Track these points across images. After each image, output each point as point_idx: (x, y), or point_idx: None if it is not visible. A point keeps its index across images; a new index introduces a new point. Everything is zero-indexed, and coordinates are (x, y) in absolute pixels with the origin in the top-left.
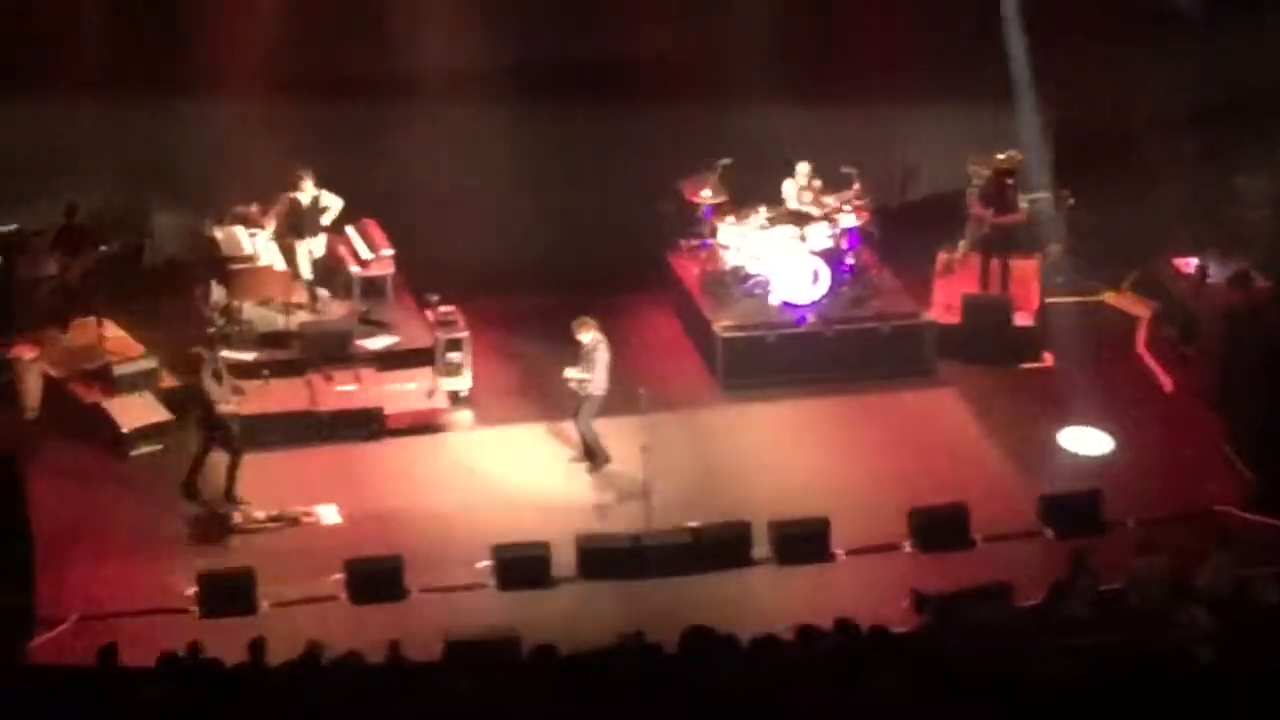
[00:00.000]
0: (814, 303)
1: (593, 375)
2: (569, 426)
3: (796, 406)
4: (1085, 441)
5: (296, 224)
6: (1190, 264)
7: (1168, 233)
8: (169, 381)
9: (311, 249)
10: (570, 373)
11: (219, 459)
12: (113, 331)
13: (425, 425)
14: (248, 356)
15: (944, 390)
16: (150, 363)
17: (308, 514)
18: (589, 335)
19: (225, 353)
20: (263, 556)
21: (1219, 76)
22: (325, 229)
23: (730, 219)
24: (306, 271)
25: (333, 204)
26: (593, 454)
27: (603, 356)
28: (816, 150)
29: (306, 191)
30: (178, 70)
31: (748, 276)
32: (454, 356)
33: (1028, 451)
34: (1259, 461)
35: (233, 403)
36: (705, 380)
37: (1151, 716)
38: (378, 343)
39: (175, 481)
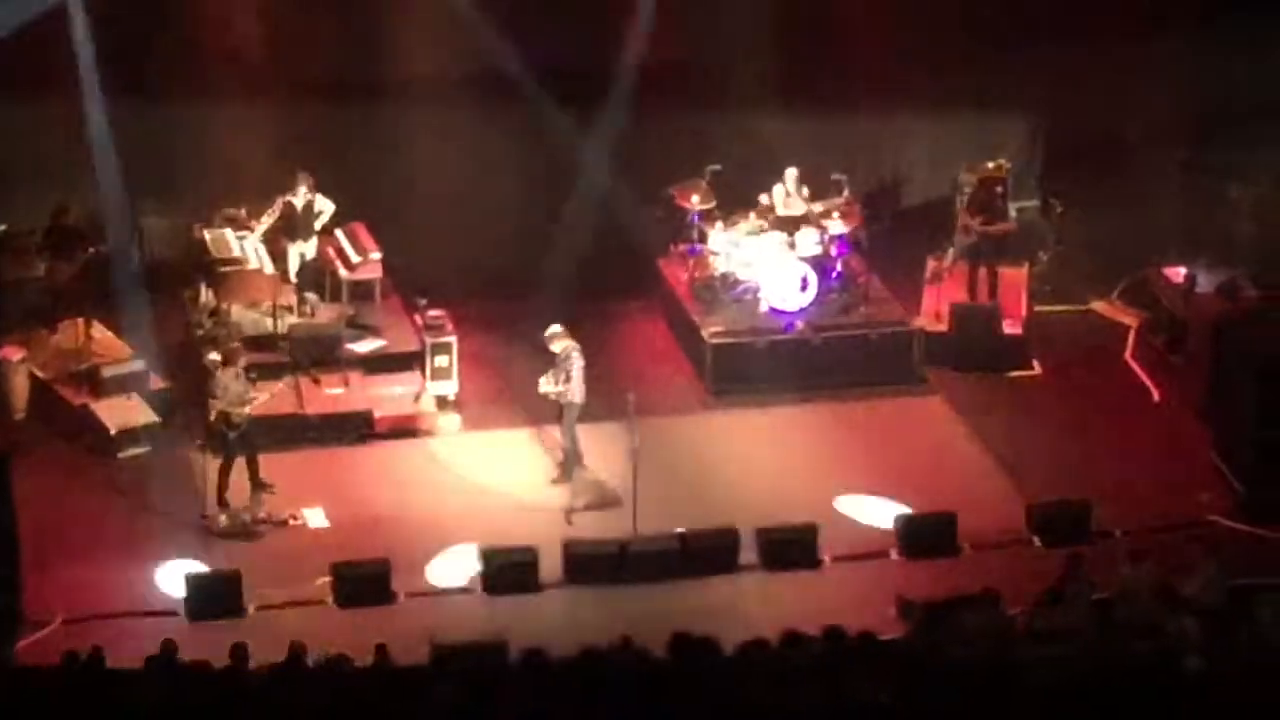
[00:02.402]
0: (803, 309)
1: (569, 385)
2: (556, 431)
3: (785, 413)
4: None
5: (289, 226)
6: (1179, 273)
7: (1157, 242)
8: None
9: (303, 252)
10: (545, 386)
11: (205, 462)
12: (100, 333)
13: (412, 429)
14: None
15: (932, 398)
16: (138, 364)
17: (295, 517)
18: (561, 345)
19: (211, 355)
20: (250, 559)
21: (1210, 85)
22: (317, 233)
23: (719, 225)
24: (294, 274)
25: (326, 208)
26: (567, 463)
27: (577, 364)
28: (807, 157)
29: (301, 195)
30: (167, 72)
31: (737, 283)
32: (441, 360)
33: (1016, 460)
34: (1247, 471)
35: (250, 405)
36: (694, 386)
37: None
38: (365, 346)
39: (162, 484)
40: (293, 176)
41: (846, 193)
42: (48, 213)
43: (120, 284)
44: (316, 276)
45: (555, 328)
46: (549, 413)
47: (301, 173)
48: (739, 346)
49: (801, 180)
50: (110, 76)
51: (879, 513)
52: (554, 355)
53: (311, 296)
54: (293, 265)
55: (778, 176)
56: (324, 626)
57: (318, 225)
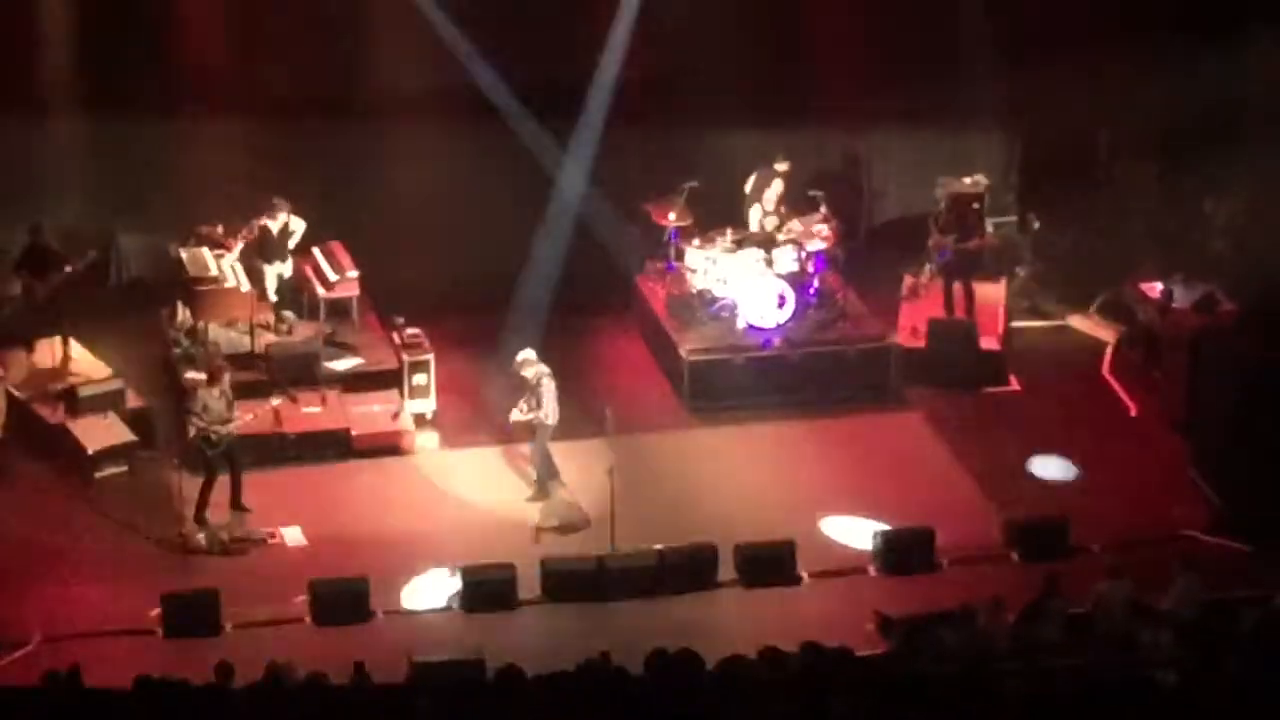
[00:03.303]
0: (780, 326)
1: (542, 410)
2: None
3: (762, 430)
4: (1051, 468)
5: (265, 249)
6: (1156, 288)
7: (1134, 257)
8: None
9: (280, 272)
10: (516, 415)
11: (182, 480)
12: (78, 352)
13: (390, 447)
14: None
15: (910, 414)
16: (116, 383)
17: (272, 535)
18: (531, 371)
19: (190, 374)
20: (227, 577)
21: (1185, 101)
22: (292, 253)
23: (696, 242)
24: (273, 293)
25: (297, 227)
26: (541, 482)
27: (548, 387)
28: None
29: (278, 220)
30: (143, 91)
31: (714, 299)
32: (419, 379)
33: (993, 475)
34: (1224, 485)
35: (232, 424)
36: (671, 403)
37: None
38: (343, 364)
39: (139, 503)
40: (268, 201)
41: (823, 209)
42: (24, 232)
43: (98, 303)
44: (295, 295)
45: (525, 354)
46: (525, 431)
47: (278, 199)
48: (716, 363)
49: (781, 198)
50: (86, 95)
51: (862, 534)
52: (524, 381)
53: (289, 315)
54: (270, 285)
55: (755, 194)
56: (301, 645)
57: (291, 244)
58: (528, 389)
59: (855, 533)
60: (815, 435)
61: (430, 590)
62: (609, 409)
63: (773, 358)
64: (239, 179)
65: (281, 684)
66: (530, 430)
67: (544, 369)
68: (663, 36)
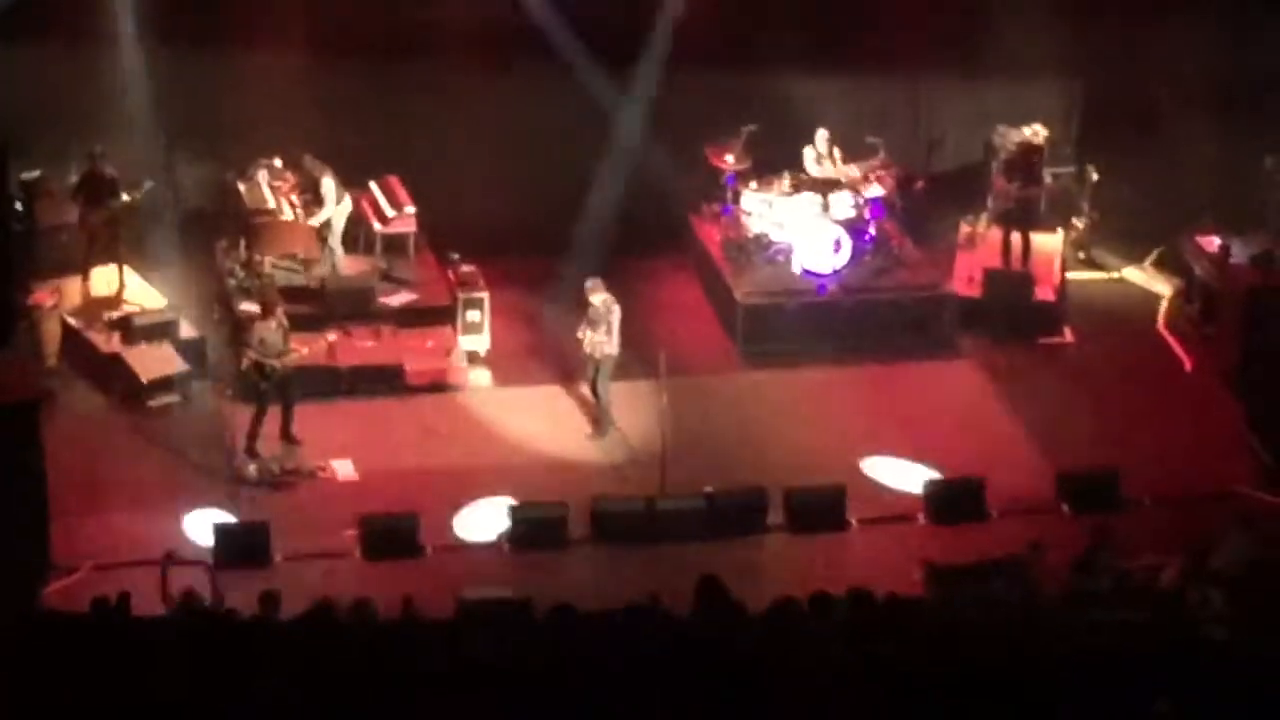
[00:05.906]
0: (835, 272)
1: (610, 336)
2: (585, 387)
3: (815, 375)
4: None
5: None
6: (1214, 242)
7: (1192, 210)
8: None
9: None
10: (593, 337)
11: (235, 411)
12: (133, 281)
13: (443, 383)
14: None
15: (963, 363)
16: (170, 313)
17: (323, 468)
18: (600, 297)
19: (245, 305)
20: (278, 509)
21: (1247, 54)
22: (349, 190)
23: (754, 185)
24: (328, 227)
25: (328, 189)
26: (605, 416)
27: (618, 315)
28: (843, 119)
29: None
30: (204, 21)
31: (770, 244)
32: (473, 315)
33: (1046, 427)
34: (1277, 442)
35: (287, 356)
36: (724, 346)
37: (1163, 694)
38: (398, 300)
39: (192, 433)
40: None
41: (881, 155)
42: (81, 159)
43: (154, 232)
44: (350, 230)
45: (594, 280)
46: (580, 369)
47: (306, 156)
48: (770, 307)
49: (832, 142)
50: (147, 24)
51: (906, 476)
52: (593, 308)
53: (336, 249)
54: (323, 219)
55: (811, 138)
56: (350, 578)
57: (330, 200)
58: (596, 316)
59: (898, 474)
60: (868, 382)
61: (481, 522)
62: (662, 351)
63: (827, 303)
64: (299, 112)
65: (329, 616)
66: (594, 364)
67: (611, 298)
68: None
